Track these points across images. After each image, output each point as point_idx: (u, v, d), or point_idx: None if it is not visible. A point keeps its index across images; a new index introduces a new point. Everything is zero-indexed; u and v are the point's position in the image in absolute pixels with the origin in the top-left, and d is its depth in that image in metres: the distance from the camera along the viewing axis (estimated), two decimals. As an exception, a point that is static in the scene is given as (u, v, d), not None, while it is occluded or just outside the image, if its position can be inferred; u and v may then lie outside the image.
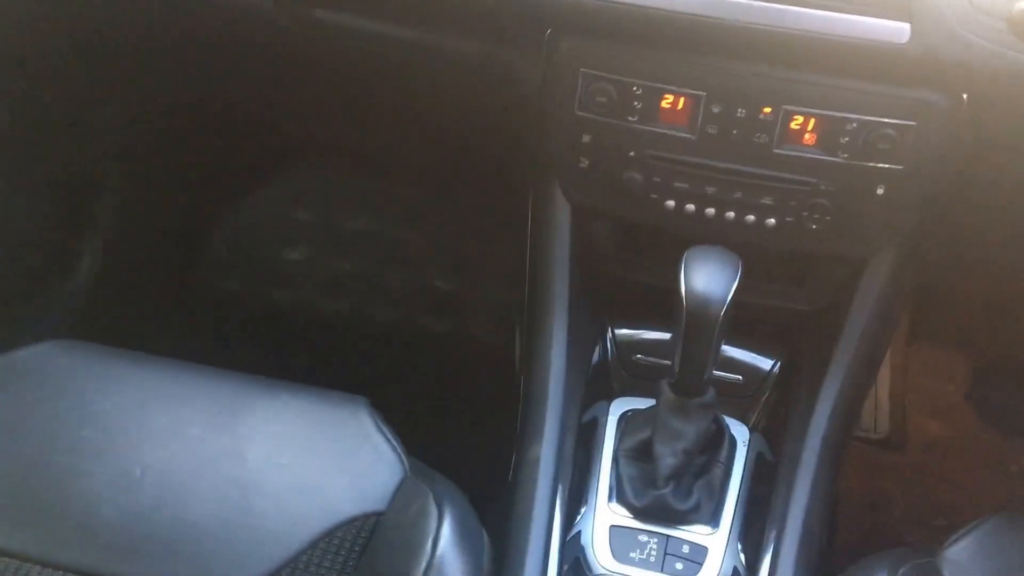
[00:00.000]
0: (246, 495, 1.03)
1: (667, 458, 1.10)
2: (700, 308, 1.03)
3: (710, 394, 1.11)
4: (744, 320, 1.19)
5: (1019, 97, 1.05)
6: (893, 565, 1.03)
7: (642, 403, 1.22)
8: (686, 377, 1.09)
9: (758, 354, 1.31)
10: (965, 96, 1.09)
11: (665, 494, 1.10)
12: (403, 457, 1.07)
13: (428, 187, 1.95)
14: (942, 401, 2.00)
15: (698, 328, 1.04)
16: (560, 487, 1.16)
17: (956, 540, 1.05)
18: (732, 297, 1.02)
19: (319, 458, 1.07)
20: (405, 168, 1.89)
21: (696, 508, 1.11)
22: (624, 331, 1.33)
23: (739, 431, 1.22)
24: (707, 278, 1.03)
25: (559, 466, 1.17)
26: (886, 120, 1.09)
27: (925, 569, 1.02)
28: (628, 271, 1.29)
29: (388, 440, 1.08)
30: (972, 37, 1.03)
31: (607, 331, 1.32)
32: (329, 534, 1.01)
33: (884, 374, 1.93)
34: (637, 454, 1.15)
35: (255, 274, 2.07)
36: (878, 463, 1.89)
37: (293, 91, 1.55)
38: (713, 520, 1.12)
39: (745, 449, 1.20)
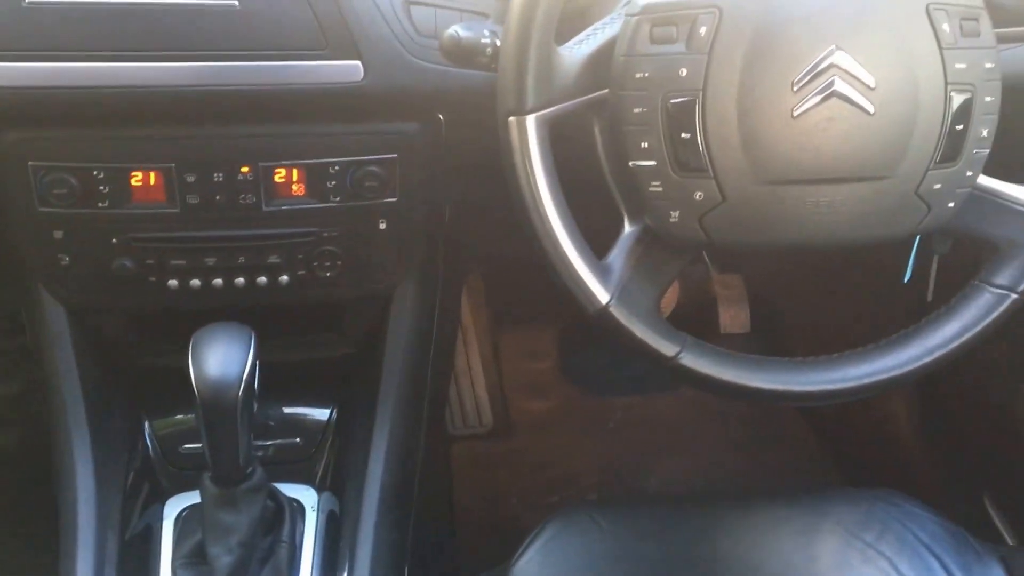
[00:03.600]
0: None
1: (222, 558, 1.02)
2: (215, 393, 0.96)
3: (258, 475, 1.04)
4: (291, 375, 1.14)
5: (476, 108, 1.08)
6: None
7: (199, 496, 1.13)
8: (221, 466, 1.02)
9: (313, 407, 1.27)
10: (441, 116, 1.10)
11: None
12: None
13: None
14: (538, 378, 2.10)
15: (218, 414, 0.97)
16: None
17: (523, 552, 1.07)
18: (249, 374, 0.97)
19: None
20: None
21: None
22: (165, 421, 1.23)
23: (306, 496, 1.17)
24: (218, 360, 0.97)
25: None
26: (368, 157, 1.08)
27: None
28: (152, 357, 1.19)
29: None
30: (424, 63, 1.04)
31: (143, 425, 1.22)
32: None
33: (476, 367, 1.98)
34: (196, 559, 1.07)
35: None
36: (489, 456, 1.94)
37: None
38: None
39: (315, 515, 1.15)
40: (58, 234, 1.05)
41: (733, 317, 2.04)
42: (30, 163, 1.01)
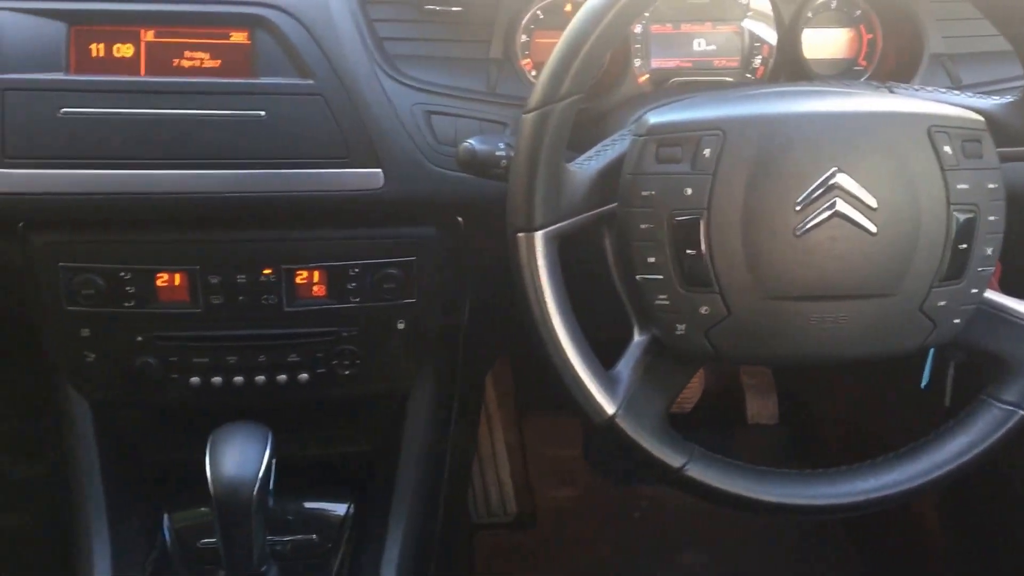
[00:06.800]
0: None
1: None
2: (230, 492, 0.98)
3: (272, 573, 1.06)
4: (308, 471, 1.15)
5: (493, 213, 1.10)
6: None
7: None
8: (235, 565, 1.03)
9: (329, 502, 1.28)
10: (461, 219, 1.13)
11: None
12: None
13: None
14: (564, 466, 2.09)
15: (233, 512, 0.99)
16: None
17: None
18: (264, 474, 0.98)
19: None
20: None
21: None
22: (184, 514, 1.24)
23: None
24: (234, 459, 0.98)
25: None
26: (387, 260, 1.10)
27: None
28: (172, 451, 1.22)
29: None
30: (443, 171, 1.07)
31: (162, 518, 1.23)
32: None
33: (501, 454, 1.98)
34: None
35: None
36: (511, 546, 1.93)
37: None
38: None
39: None
40: (85, 332, 1.09)
41: (761, 408, 2.03)
42: (60, 264, 1.05)
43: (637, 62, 1.19)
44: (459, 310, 1.21)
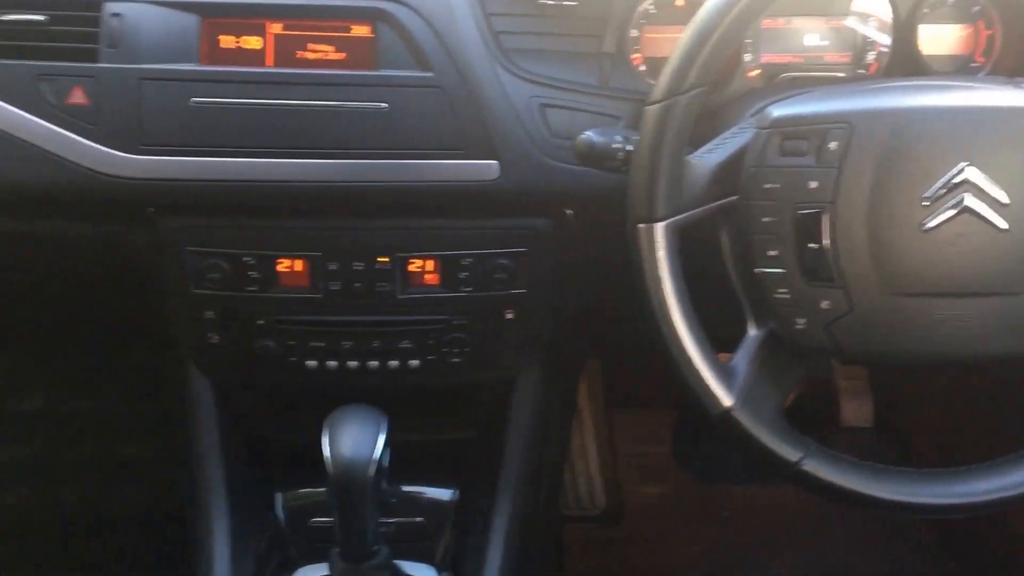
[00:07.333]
0: None
1: None
2: (348, 474, 1.00)
3: (382, 554, 1.08)
4: (417, 456, 1.18)
5: (604, 206, 1.12)
6: None
7: (327, 568, 1.17)
8: (350, 543, 1.06)
9: (436, 487, 1.30)
10: (570, 212, 1.14)
11: None
12: None
13: (91, 354, 1.83)
14: (652, 463, 2.09)
15: (350, 493, 1.01)
16: None
17: None
18: (380, 456, 1.01)
19: None
20: (59, 341, 1.76)
21: None
22: (296, 493, 1.28)
23: (426, 574, 1.20)
24: (351, 442, 1.01)
25: None
26: (499, 251, 1.13)
27: None
28: (288, 433, 1.25)
29: None
30: (556, 163, 1.08)
31: (276, 497, 1.27)
32: None
33: (591, 449, 1.99)
34: None
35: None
36: (600, 539, 1.94)
37: None
38: None
39: None
40: (209, 314, 1.13)
41: (855, 410, 2.00)
42: (188, 249, 1.09)
43: (747, 57, 1.18)
44: (565, 302, 1.23)
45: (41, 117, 1.03)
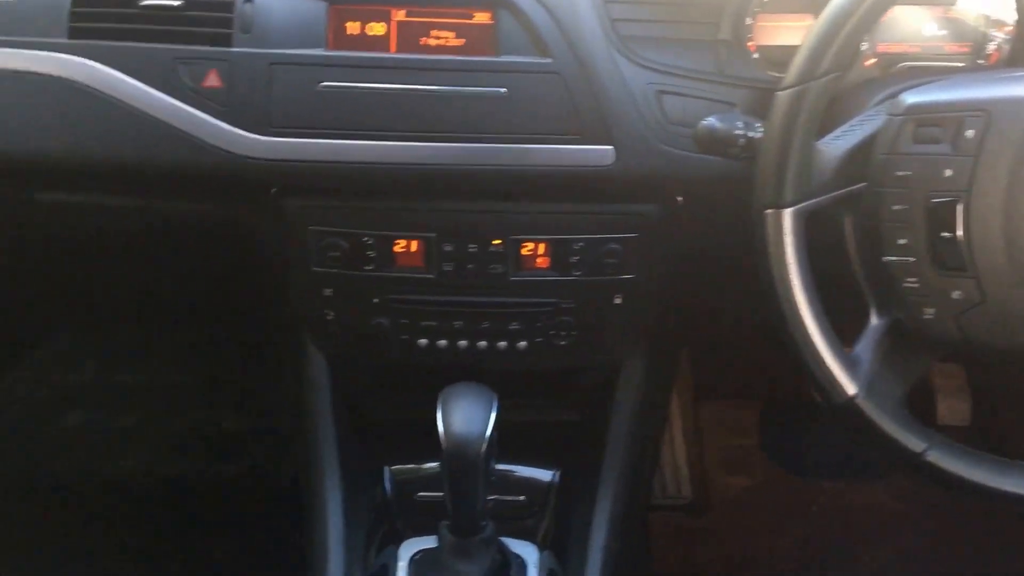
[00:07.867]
0: None
1: None
2: (460, 449, 1.02)
3: (489, 529, 1.10)
4: (519, 437, 1.20)
5: (716, 192, 1.12)
6: None
7: (433, 542, 1.20)
8: (460, 517, 1.08)
9: (538, 468, 1.32)
10: (680, 199, 1.15)
11: None
12: None
13: (195, 329, 1.89)
14: (739, 454, 2.08)
15: (462, 468, 1.03)
16: None
17: None
18: (492, 432, 1.03)
19: None
20: (166, 315, 1.82)
21: None
22: (404, 468, 1.31)
23: (528, 552, 1.21)
24: (463, 418, 1.03)
25: None
26: (610, 236, 1.14)
27: None
28: (396, 410, 1.28)
29: None
30: (671, 150, 1.09)
31: (384, 471, 1.30)
32: None
33: (678, 439, 1.99)
34: None
35: (31, 446, 1.94)
36: (687, 529, 1.94)
37: (34, 270, 1.47)
38: None
39: (536, 571, 1.19)
40: (327, 291, 1.16)
41: (952, 408, 1.96)
42: (309, 227, 1.13)
43: (864, 45, 1.17)
44: (671, 289, 1.23)
45: (178, 99, 1.07)
